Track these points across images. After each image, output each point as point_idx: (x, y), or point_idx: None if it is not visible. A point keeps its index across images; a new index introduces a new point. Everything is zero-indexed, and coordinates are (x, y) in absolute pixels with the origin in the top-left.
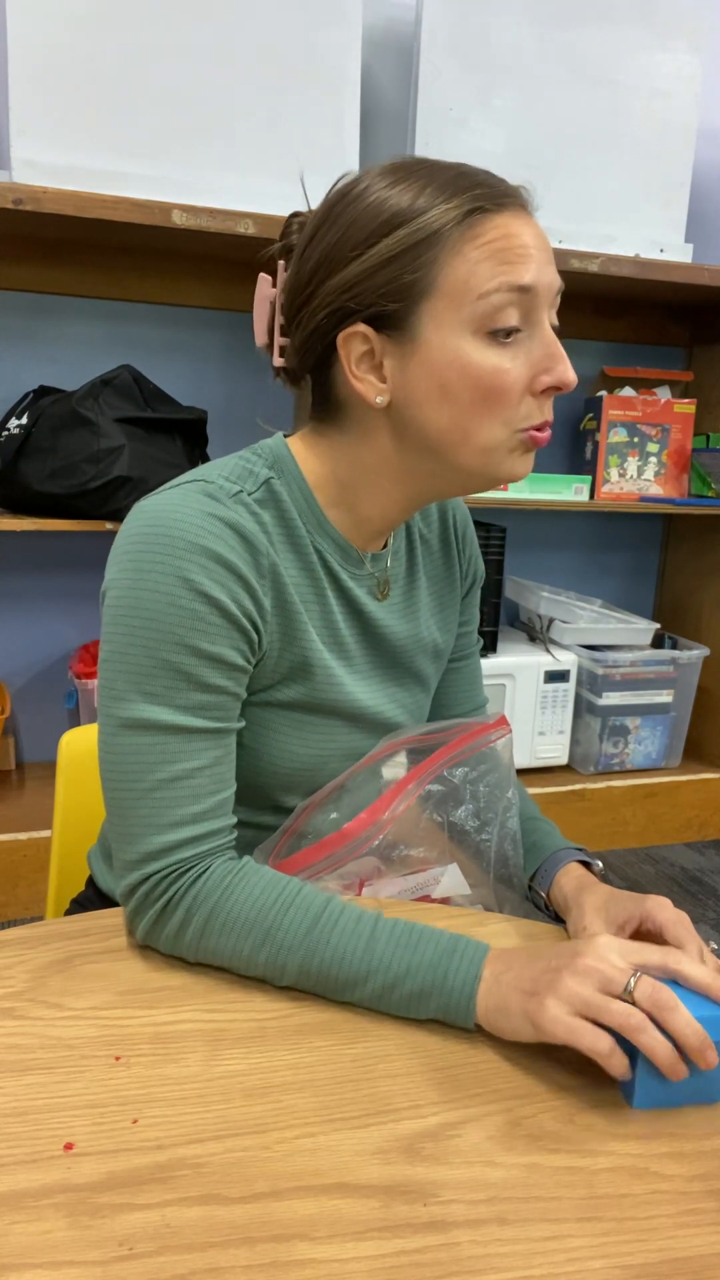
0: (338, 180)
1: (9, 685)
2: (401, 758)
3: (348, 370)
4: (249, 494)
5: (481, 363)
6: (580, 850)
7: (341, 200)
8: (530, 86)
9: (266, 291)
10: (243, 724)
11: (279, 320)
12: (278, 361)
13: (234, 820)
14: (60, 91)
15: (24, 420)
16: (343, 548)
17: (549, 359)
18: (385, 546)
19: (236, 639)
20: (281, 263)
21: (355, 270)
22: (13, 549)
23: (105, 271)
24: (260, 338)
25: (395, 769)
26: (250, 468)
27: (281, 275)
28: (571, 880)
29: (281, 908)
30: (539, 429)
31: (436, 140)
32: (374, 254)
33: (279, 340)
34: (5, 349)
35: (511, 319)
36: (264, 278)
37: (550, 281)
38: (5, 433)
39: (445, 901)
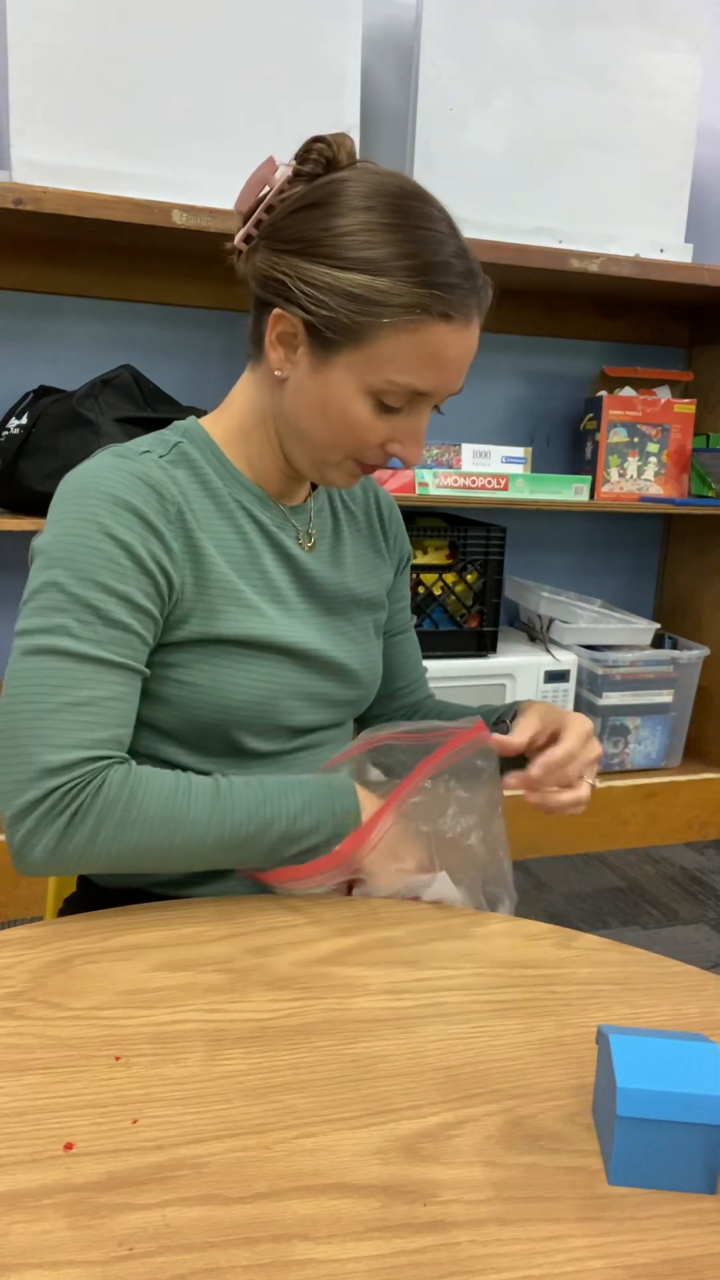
0: (354, 153)
1: None
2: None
3: (268, 336)
4: (159, 455)
5: (358, 416)
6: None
7: (340, 197)
8: (530, 86)
9: (266, 173)
10: (148, 672)
11: (259, 213)
12: (239, 242)
13: (128, 758)
14: (60, 91)
15: (24, 420)
16: (260, 498)
17: (409, 437)
18: (305, 502)
19: (144, 583)
20: (288, 171)
21: (318, 274)
22: (13, 549)
23: (105, 271)
24: (240, 205)
25: (373, 772)
26: (161, 437)
27: (285, 186)
28: (533, 703)
29: (184, 792)
30: (369, 466)
31: (437, 140)
32: (338, 277)
33: (249, 227)
34: (5, 349)
35: (399, 402)
36: (273, 159)
37: (450, 390)
38: (5, 433)
39: (438, 903)
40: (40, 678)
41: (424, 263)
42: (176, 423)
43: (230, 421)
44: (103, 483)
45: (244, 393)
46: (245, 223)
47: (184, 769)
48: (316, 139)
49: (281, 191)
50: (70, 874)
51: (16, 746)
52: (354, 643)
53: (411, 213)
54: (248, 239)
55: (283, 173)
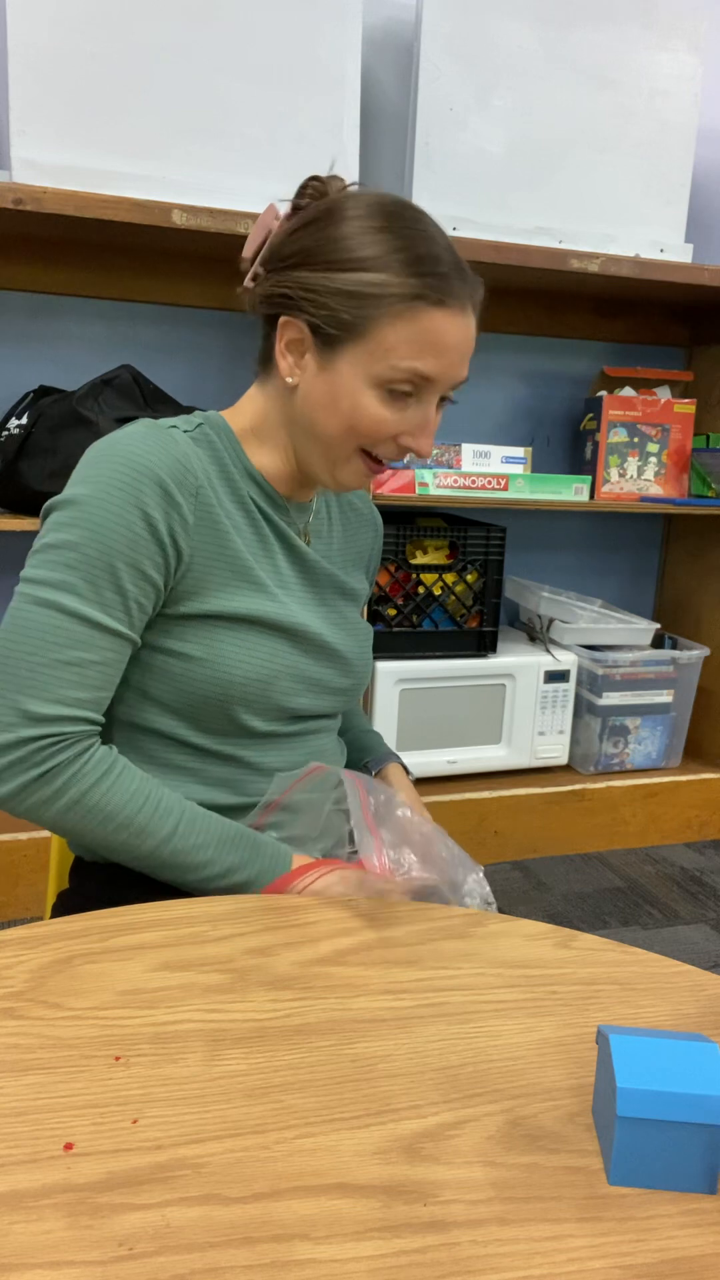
0: (346, 184)
1: None
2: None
3: (277, 346)
4: (184, 430)
5: (369, 409)
6: (398, 757)
7: (333, 212)
8: (530, 86)
9: (269, 219)
10: (139, 642)
11: (264, 253)
12: (247, 282)
13: (103, 722)
14: (60, 91)
15: (24, 420)
16: (267, 491)
17: (419, 428)
18: (308, 501)
19: (155, 554)
20: (287, 209)
21: (317, 280)
22: (13, 549)
23: (105, 271)
24: (247, 251)
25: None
26: (186, 417)
27: (284, 222)
28: (391, 776)
29: (150, 804)
30: (378, 461)
31: (437, 140)
32: (334, 279)
33: (256, 266)
34: (5, 349)
35: (406, 388)
36: (273, 205)
37: (453, 378)
38: (5, 433)
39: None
40: (40, 631)
41: (415, 255)
42: (198, 411)
43: (243, 422)
44: (133, 451)
45: (253, 403)
46: (252, 264)
47: (186, 744)
48: (312, 178)
49: (281, 229)
50: (16, 817)
51: (3, 691)
52: (348, 632)
53: (401, 216)
54: (254, 277)
55: (283, 210)
